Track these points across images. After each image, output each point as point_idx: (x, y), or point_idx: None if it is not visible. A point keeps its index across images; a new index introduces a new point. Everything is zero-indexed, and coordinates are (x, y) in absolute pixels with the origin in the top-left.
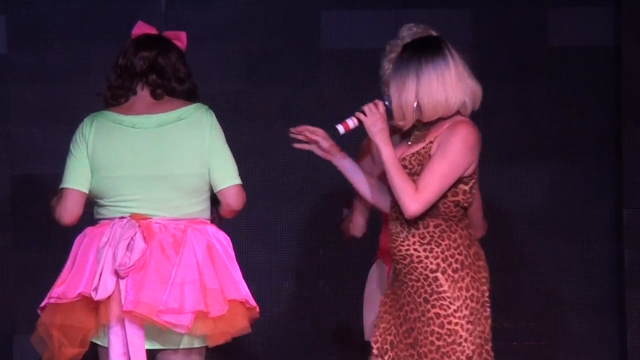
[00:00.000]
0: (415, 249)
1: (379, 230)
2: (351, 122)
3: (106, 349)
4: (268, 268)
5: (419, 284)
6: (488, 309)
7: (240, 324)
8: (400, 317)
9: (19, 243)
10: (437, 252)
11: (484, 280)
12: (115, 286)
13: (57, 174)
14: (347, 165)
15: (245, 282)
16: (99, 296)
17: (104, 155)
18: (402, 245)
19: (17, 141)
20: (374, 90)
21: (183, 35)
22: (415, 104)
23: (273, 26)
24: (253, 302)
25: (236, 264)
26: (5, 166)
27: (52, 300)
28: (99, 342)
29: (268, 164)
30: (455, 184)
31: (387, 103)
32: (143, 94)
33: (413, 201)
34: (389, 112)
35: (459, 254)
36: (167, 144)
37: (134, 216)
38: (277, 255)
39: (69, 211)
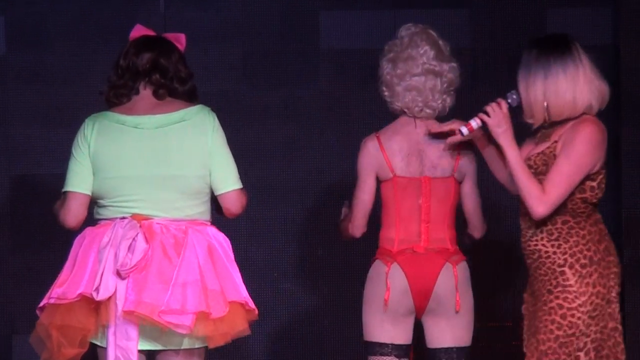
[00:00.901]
0: (543, 245)
1: (378, 230)
2: (474, 123)
3: (105, 350)
4: (267, 268)
5: (546, 278)
6: (614, 306)
7: (240, 326)
8: (535, 311)
9: (18, 243)
10: (564, 248)
11: (612, 276)
12: (116, 287)
13: (57, 174)
14: (489, 153)
15: (244, 282)
16: (100, 296)
17: (106, 156)
18: (531, 241)
19: (15, 141)
20: (374, 90)
21: (182, 37)
22: (545, 103)
23: (272, 26)
24: (252, 305)
25: (236, 265)
26: (4, 167)
27: (51, 301)
28: (98, 343)
29: (267, 164)
30: (582, 181)
31: (509, 101)
32: (145, 93)
33: (540, 203)
34: (511, 111)
35: (587, 250)
36: (170, 145)
37: (135, 217)
38: (276, 255)
39: (73, 214)
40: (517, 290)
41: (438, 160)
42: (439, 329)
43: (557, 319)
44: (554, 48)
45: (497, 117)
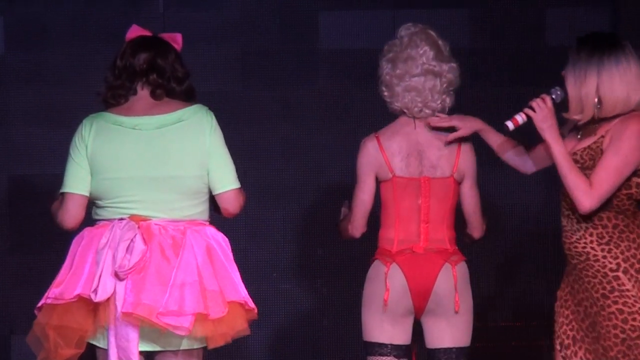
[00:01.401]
0: (592, 248)
1: (377, 230)
2: (520, 118)
3: (104, 351)
4: (266, 268)
5: (596, 280)
6: None
7: (239, 326)
8: (580, 313)
9: (18, 243)
10: (616, 252)
11: None
12: (114, 288)
13: (56, 174)
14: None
15: (243, 281)
16: (98, 298)
17: (104, 157)
18: (579, 243)
19: (15, 142)
20: (373, 90)
21: (179, 37)
22: (596, 99)
23: (271, 27)
24: (252, 304)
25: (235, 265)
26: (3, 167)
27: (49, 301)
28: (96, 344)
29: (266, 164)
30: (628, 177)
31: (553, 97)
32: (143, 94)
33: (587, 197)
34: (555, 106)
35: None
36: (168, 145)
37: (133, 217)
38: (275, 256)
39: (71, 215)
40: (513, 289)
41: (437, 160)
42: (438, 330)
43: (619, 323)
44: (606, 45)
45: (542, 112)
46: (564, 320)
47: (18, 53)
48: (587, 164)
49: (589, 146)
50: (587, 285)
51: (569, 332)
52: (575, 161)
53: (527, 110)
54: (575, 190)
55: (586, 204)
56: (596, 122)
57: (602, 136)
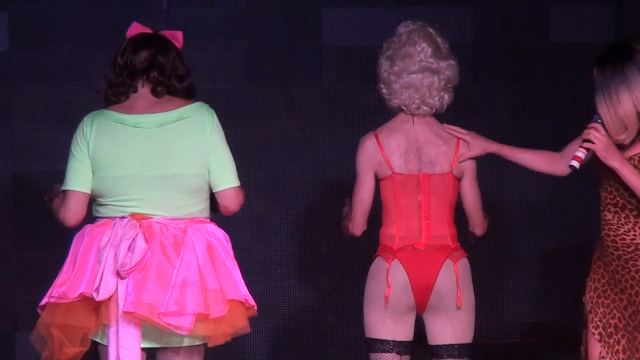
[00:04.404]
0: None
1: (379, 228)
2: (582, 154)
3: (106, 347)
4: (270, 265)
5: None
6: None
7: (239, 324)
8: (623, 300)
9: (21, 240)
10: None
11: None
12: (117, 287)
13: (60, 171)
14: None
15: (247, 279)
16: (100, 297)
17: (105, 155)
18: (627, 235)
19: (18, 139)
20: (375, 87)
21: (179, 34)
22: (636, 112)
23: (275, 24)
24: (252, 301)
25: (235, 262)
26: (6, 164)
27: (52, 300)
28: (99, 341)
29: (270, 161)
30: None
31: (600, 121)
32: (144, 91)
33: None
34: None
35: None
36: (169, 143)
37: (134, 216)
38: (279, 253)
39: (73, 213)
40: (513, 287)
41: (436, 156)
42: (440, 326)
43: None
44: (622, 57)
45: (602, 143)
46: (605, 310)
47: (22, 50)
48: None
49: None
50: (634, 274)
51: (611, 321)
52: (635, 167)
53: (586, 144)
54: None
55: None
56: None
57: None
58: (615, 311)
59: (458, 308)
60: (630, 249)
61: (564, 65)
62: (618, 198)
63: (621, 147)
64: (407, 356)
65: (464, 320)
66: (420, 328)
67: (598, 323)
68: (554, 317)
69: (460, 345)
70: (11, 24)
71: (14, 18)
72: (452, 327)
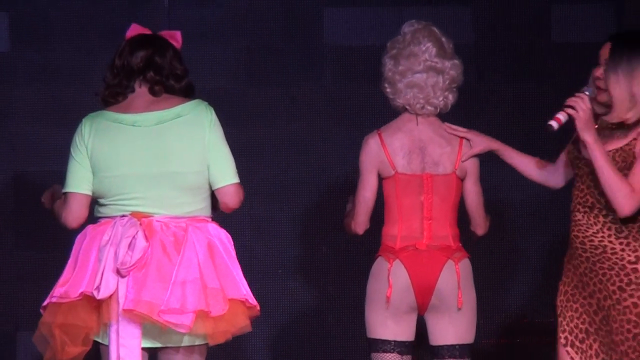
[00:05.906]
0: (610, 241)
1: (381, 227)
2: (562, 117)
3: (107, 347)
4: (271, 265)
5: (612, 272)
6: None
7: (240, 323)
8: (593, 305)
9: (22, 240)
10: (634, 246)
11: None
12: (116, 285)
13: (61, 171)
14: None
15: (248, 279)
16: (101, 295)
17: (104, 155)
18: (595, 237)
19: (20, 138)
20: (378, 87)
21: (178, 34)
22: None
23: (276, 23)
24: (253, 301)
25: (237, 262)
26: (8, 163)
27: (54, 300)
28: (100, 341)
29: (271, 161)
30: None
31: (587, 93)
32: (141, 91)
33: (629, 200)
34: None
35: None
36: (168, 141)
37: (134, 214)
38: (280, 253)
39: (74, 215)
40: (514, 286)
41: (439, 157)
42: (441, 326)
43: (633, 318)
44: None
45: (585, 114)
46: (573, 314)
47: (23, 50)
48: (619, 166)
49: (621, 148)
50: (601, 277)
51: (581, 326)
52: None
53: (568, 110)
54: (618, 192)
55: (628, 207)
56: (622, 126)
57: (635, 139)
58: (585, 315)
59: (459, 309)
60: (598, 251)
61: (564, 65)
62: (588, 196)
63: (610, 137)
64: (408, 356)
65: (465, 321)
66: (421, 328)
67: (565, 327)
68: (554, 318)
69: (462, 346)
70: (12, 24)
71: (15, 18)
72: (453, 327)
